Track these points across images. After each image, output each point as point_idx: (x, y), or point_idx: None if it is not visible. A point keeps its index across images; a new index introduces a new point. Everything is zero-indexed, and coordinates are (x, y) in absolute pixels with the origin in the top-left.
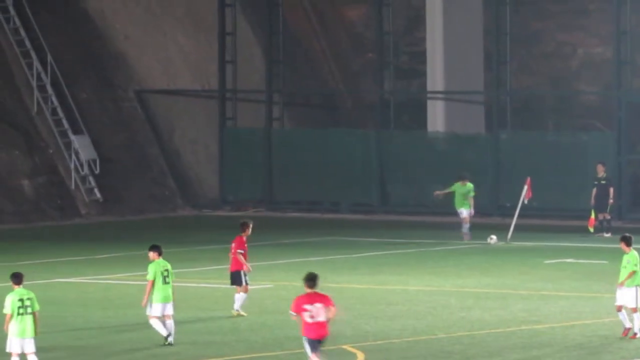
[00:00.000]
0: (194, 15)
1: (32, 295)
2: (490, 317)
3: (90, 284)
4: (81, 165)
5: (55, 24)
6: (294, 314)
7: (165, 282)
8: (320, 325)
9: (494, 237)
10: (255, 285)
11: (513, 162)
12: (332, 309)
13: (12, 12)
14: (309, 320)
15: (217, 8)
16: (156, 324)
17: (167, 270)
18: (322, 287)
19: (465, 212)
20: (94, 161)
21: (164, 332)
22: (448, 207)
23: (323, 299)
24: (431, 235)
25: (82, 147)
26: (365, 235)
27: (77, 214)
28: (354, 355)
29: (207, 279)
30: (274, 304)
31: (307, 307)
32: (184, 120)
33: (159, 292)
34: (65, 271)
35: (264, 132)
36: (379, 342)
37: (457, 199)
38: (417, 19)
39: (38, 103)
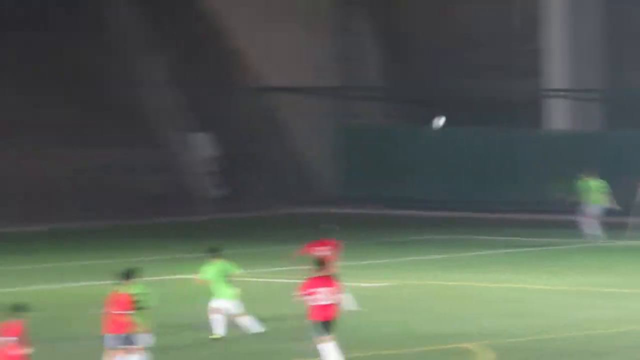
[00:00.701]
0: (312, 11)
1: (145, 290)
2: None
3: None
4: (202, 162)
5: (175, 22)
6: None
7: (227, 281)
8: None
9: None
10: (374, 283)
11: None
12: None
13: (135, 9)
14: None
15: (335, 4)
16: (216, 320)
17: (226, 269)
18: (434, 285)
19: (590, 208)
20: (215, 158)
21: (220, 331)
22: (564, 205)
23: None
24: (549, 234)
25: (203, 144)
26: (482, 233)
27: (198, 210)
28: (479, 353)
29: None
30: (391, 303)
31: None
32: (302, 117)
33: (223, 290)
34: (184, 268)
35: (382, 129)
36: (509, 341)
37: (584, 197)
38: (535, 17)
39: (159, 100)
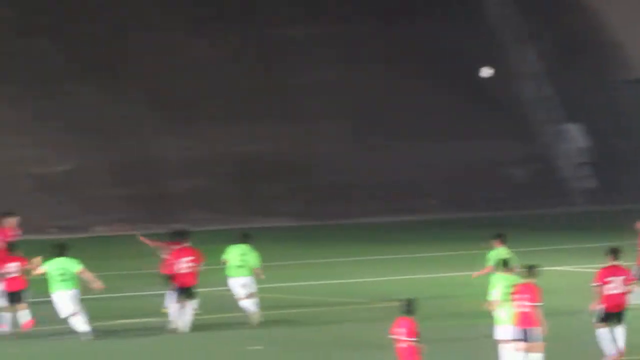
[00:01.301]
0: None
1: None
2: None
3: (573, 272)
4: (575, 153)
5: (550, 14)
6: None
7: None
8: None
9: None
10: None
11: None
12: None
13: (509, 1)
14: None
15: None
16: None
17: (502, 258)
18: None
19: None
20: (589, 149)
21: None
22: None
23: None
24: None
25: (577, 135)
26: None
27: (571, 201)
28: None
29: None
30: None
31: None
32: None
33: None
34: (556, 259)
35: None
36: None
37: None
38: None
39: (532, 91)
